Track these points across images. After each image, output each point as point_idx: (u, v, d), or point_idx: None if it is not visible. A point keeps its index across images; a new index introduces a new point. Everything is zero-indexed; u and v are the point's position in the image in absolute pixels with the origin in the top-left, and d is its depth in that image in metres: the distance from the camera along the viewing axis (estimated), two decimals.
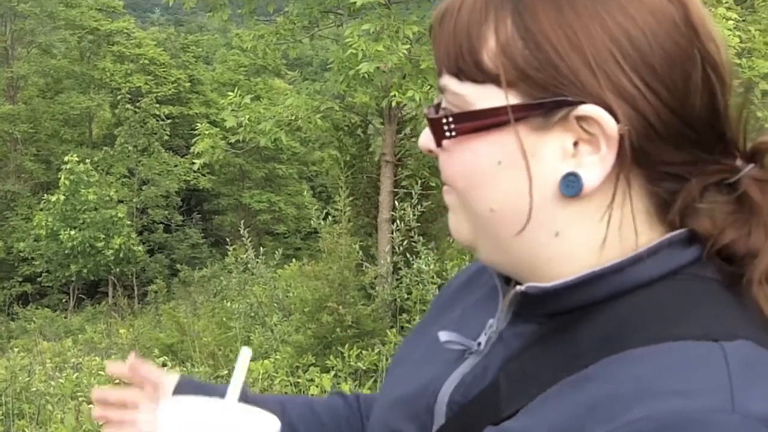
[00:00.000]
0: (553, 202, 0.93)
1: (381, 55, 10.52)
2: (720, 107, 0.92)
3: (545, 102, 0.90)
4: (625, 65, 0.88)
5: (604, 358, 0.86)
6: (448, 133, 0.96)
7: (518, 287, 0.98)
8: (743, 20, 11.85)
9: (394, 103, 11.29)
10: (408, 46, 10.91)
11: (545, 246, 0.95)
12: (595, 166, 0.91)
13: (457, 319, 1.17)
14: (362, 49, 10.52)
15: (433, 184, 13.05)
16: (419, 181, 11.27)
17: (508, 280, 1.06)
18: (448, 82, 0.96)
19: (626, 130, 0.88)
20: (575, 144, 0.91)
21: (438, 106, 1.00)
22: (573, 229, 0.94)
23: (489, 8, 0.93)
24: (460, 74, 0.95)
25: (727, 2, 11.23)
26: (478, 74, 0.93)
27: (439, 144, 0.98)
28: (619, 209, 0.93)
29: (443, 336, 1.06)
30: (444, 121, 0.96)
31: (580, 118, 0.90)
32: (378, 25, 10.94)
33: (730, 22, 9.86)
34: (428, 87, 10.94)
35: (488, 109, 0.93)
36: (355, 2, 11.05)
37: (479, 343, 1.05)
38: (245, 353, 1.11)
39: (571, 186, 0.91)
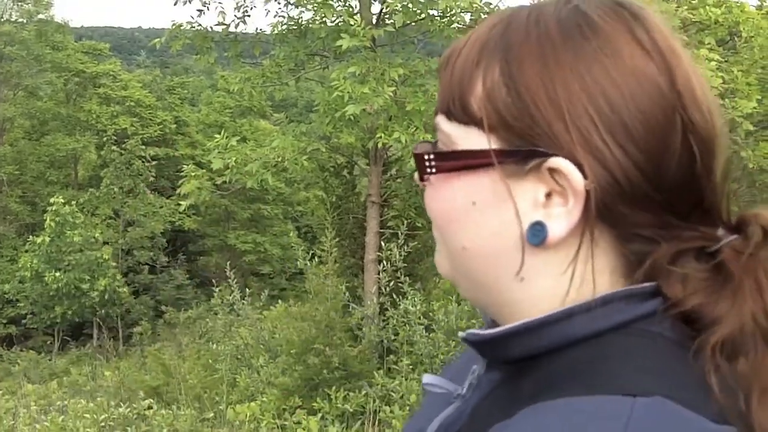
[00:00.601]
0: (519, 248, 0.95)
1: (367, 98, 10.59)
2: (700, 173, 0.93)
3: (520, 150, 0.92)
4: (599, 123, 0.89)
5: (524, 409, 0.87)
6: (429, 169, 0.99)
7: (460, 334, 1.02)
8: (726, 61, 11.98)
9: (380, 145, 11.36)
10: (393, 88, 11.00)
11: (511, 289, 0.97)
12: (561, 218, 0.92)
13: (453, 367, 1.20)
14: (348, 92, 10.59)
15: (419, 225, 13.10)
16: (405, 222, 11.31)
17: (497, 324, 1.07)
18: (440, 120, 1.00)
19: (592, 187, 0.89)
20: (548, 195, 0.92)
21: (435, 144, 1.03)
22: (537, 278, 0.95)
23: (482, 56, 0.96)
24: (449, 115, 0.98)
25: (709, 44, 11.36)
26: (463, 116, 0.96)
27: (421, 178, 1.02)
28: (583, 265, 0.93)
29: (425, 379, 1.11)
30: (426, 157, 0.99)
31: (552, 170, 0.91)
32: (363, 67, 11.03)
33: (713, 63, 9.97)
34: (414, 129, 11.01)
35: (467, 150, 0.96)
36: (340, 45, 11.14)
37: (463, 388, 1.07)
38: None
39: (536, 235, 0.93)
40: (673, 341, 0.90)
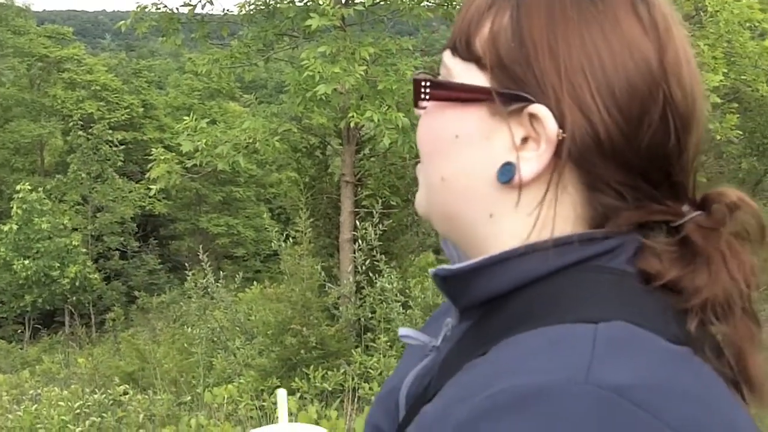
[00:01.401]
0: (492, 186, 1.00)
1: (338, 77, 10.56)
2: (672, 148, 0.97)
3: (509, 93, 0.97)
4: (591, 80, 0.94)
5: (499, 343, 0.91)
6: (423, 96, 1.04)
7: (430, 270, 1.06)
8: (692, 35, 12.04)
9: (352, 124, 11.33)
10: (365, 67, 10.97)
11: (481, 225, 1.02)
12: (531, 161, 0.96)
13: (432, 321, 1.24)
14: (319, 72, 10.55)
15: (394, 203, 13.10)
16: (380, 201, 11.31)
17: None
18: (445, 55, 1.05)
19: (564, 136, 0.94)
20: (525, 139, 0.97)
21: (436, 76, 1.07)
22: (505, 216, 1.00)
23: (495, 0, 1.01)
24: (454, 50, 1.03)
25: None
26: (466, 53, 1.01)
27: (416, 104, 1.06)
28: (548, 209, 0.98)
29: (401, 331, 1.15)
30: (423, 84, 1.04)
31: (531, 116, 0.96)
32: (334, 47, 10.99)
33: None
34: (386, 107, 10.99)
35: (460, 83, 1.02)
36: (310, 25, 11.08)
37: (441, 339, 1.11)
38: (281, 394, 1.22)
39: (504, 174, 0.98)
40: (629, 274, 0.95)
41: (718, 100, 11.52)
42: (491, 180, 0.99)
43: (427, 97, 1.04)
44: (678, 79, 0.97)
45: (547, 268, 0.96)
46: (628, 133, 0.95)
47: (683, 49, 0.99)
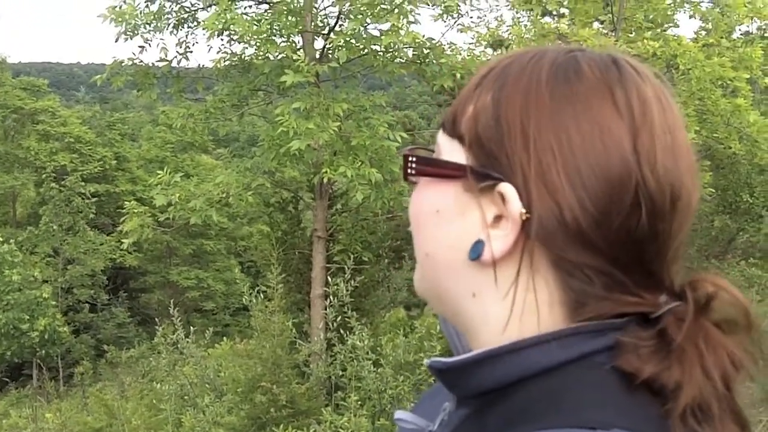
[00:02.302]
0: (468, 263, 1.00)
1: (312, 133, 10.59)
2: (643, 236, 0.95)
3: (481, 171, 0.98)
4: (559, 160, 0.94)
5: None
6: (409, 170, 1.07)
7: (425, 360, 1.06)
8: None
9: (325, 179, 11.35)
10: (338, 123, 11.02)
11: (466, 304, 1.02)
12: (499, 240, 0.97)
13: (426, 402, 1.23)
14: (293, 127, 10.59)
15: (366, 259, 13.09)
16: (352, 256, 11.27)
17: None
18: (439, 131, 1.08)
19: (527, 217, 0.94)
20: (498, 217, 0.98)
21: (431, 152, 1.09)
22: (487, 296, 1.00)
23: (483, 82, 1.04)
24: (443, 127, 1.06)
25: None
26: (452, 130, 1.04)
27: (405, 178, 1.08)
28: (524, 292, 0.97)
29: (397, 414, 1.15)
30: (410, 159, 1.07)
31: (500, 194, 0.97)
32: (308, 103, 11.05)
33: None
34: (359, 163, 11.02)
35: (441, 159, 1.04)
36: (284, 81, 11.14)
37: (435, 424, 1.10)
38: None
39: (474, 251, 0.99)
40: (627, 374, 0.92)
41: None
42: (467, 257, 1.00)
43: (413, 171, 1.06)
44: (652, 165, 0.94)
45: (549, 362, 0.94)
46: (596, 217, 0.93)
47: (661, 135, 0.96)
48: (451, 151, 1.03)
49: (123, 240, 13.56)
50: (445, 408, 1.09)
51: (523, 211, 0.94)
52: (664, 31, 18.00)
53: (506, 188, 0.96)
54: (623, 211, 0.93)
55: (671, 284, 0.98)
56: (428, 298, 1.09)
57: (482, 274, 0.99)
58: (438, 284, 1.05)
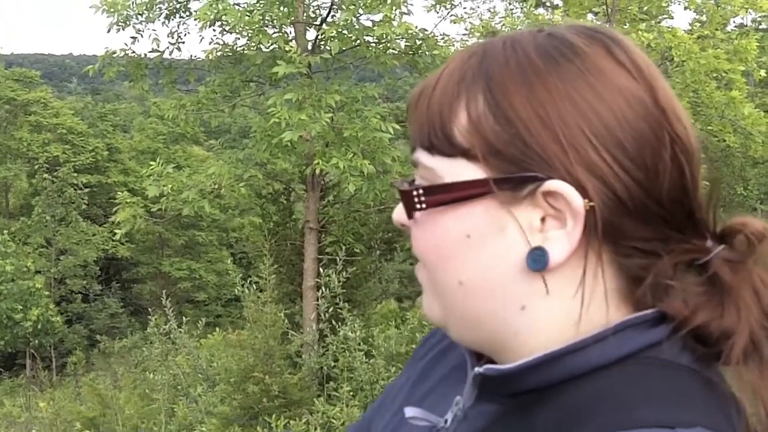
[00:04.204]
0: (519, 276, 0.93)
1: (304, 124, 10.58)
2: (689, 186, 0.94)
3: (513, 177, 0.92)
4: (595, 141, 0.90)
5: None
6: (418, 206, 0.97)
7: (477, 369, 0.98)
8: None
9: (317, 171, 11.35)
10: (330, 114, 11.01)
11: (512, 319, 0.95)
12: (561, 241, 0.91)
13: (427, 392, 1.17)
14: (285, 118, 10.57)
15: (358, 250, 13.09)
16: (343, 248, 11.28)
17: (479, 356, 1.05)
18: (420, 156, 0.98)
19: (591, 206, 0.90)
20: (542, 219, 0.92)
21: (412, 182, 1.01)
22: (540, 304, 0.94)
23: (461, 86, 0.95)
24: (432, 149, 0.96)
25: None
26: (448, 148, 0.95)
27: (410, 216, 0.98)
28: (591, 285, 0.93)
29: (409, 412, 1.07)
30: (415, 193, 0.97)
31: (546, 194, 0.91)
32: (300, 94, 11.03)
33: None
34: (351, 155, 11.02)
35: (458, 182, 0.94)
36: (277, 72, 11.13)
37: (446, 420, 1.04)
38: None
39: (537, 260, 0.92)
40: (685, 368, 0.90)
41: None
42: (516, 271, 0.93)
43: (424, 206, 0.97)
44: (676, 115, 0.94)
45: (607, 359, 0.91)
46: (646, 184, 0.91)
47: (668, 86, 0.96)
48: (454, 170, 0.95)
49: (115, 231, 13.55)
50: (458, 402, 1.04)
51: (587, 200, 0.90)
52: (659, 22, 17.95)
53: (557, 185, 0.90)
54: (668, 170, 0.92)
55: (714, 229, 0.97)
56: (452, 326, 1.01)
57: (532, 284, 0.94)
58: (476, 310, 0.97)
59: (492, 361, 1.00)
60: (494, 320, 0.96)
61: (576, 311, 0.93)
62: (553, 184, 0.90)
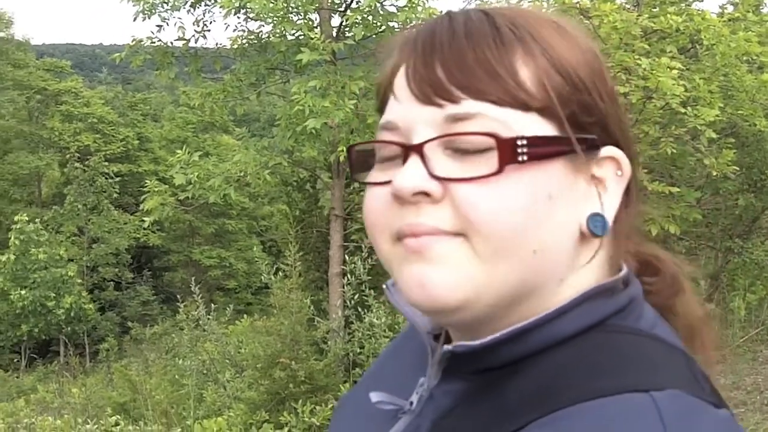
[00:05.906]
0: (575, 244, 0.93)
1: (328, 111, 10.59)
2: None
3: (588, 138, 0.91)
4: (623, 108, 0.94)
5: (534, 421, 0.84)
6: (520, 158, 0.88)
7: (446, 346, 0.95)
8: (687, 69, 11.99)
9: (342, 158, 11.36)
10: (355, 101, 11.01)
11: (548, 293, 0.92)
12: (611, 206, 0.93)
13: (390, 378, 1.17)
14: (309, 106, 10.58)
15: None
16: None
17: (436, 337, 1.05)
18: (481, 107, 0.89)
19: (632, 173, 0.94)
20: (597, 184, 0.94)
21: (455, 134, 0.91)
22: (572, 275, 0.94)
23: (504, 38, 0.92)
24: (501, 102, 0.89)
25: (671, 52, 11.40)
26: (524, 101, 0.89)
27: (501, 169, 0.87)
28: (604, 251, 0.97)
29: (374, 396, 1.05)
30: (519, 143, 0.88)
31: (605, 159, 0.93)
32: (324, 81, 11.03)
33: (675, 71, 10.01)
34: None
35: (551, 136, 0.90)
36: (301, 59, 11.15)
37: (411, 402, 1.03)
38: None
39: (598, 225, 0.92)
40: (646, 333, 0.92)
41: (714, 135, 11.39)
42: (575, 238, 0.92)
43: (525, 158, 0.87)
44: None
45: (574, 329, 0.90)
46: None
47: None
48: (532, 126, 0.89)
49: (144, 219, 13.65)
50: (422, 384, 1.03)
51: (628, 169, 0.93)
52: (689, 5, 17.78)
53: (615, 151, 0.93)
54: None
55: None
56: (487, 306, 0.91)
57: (581, 251, 0.93)
58: (534, 284, 0.91)
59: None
60: (539, 291, 0.92)
61: (599, 278, 0.95)
62: (612, 150, 0.93)
